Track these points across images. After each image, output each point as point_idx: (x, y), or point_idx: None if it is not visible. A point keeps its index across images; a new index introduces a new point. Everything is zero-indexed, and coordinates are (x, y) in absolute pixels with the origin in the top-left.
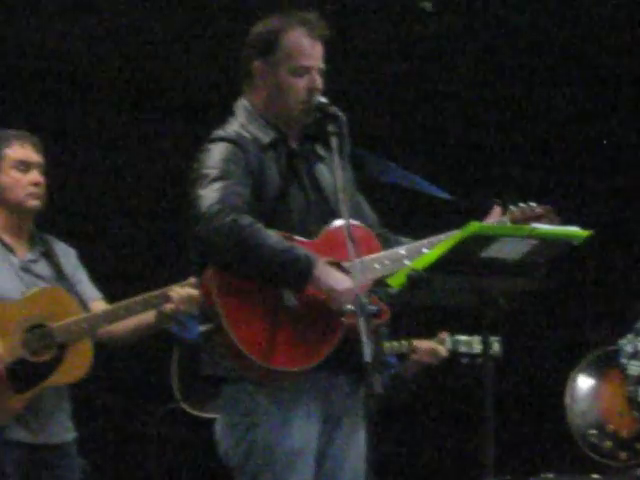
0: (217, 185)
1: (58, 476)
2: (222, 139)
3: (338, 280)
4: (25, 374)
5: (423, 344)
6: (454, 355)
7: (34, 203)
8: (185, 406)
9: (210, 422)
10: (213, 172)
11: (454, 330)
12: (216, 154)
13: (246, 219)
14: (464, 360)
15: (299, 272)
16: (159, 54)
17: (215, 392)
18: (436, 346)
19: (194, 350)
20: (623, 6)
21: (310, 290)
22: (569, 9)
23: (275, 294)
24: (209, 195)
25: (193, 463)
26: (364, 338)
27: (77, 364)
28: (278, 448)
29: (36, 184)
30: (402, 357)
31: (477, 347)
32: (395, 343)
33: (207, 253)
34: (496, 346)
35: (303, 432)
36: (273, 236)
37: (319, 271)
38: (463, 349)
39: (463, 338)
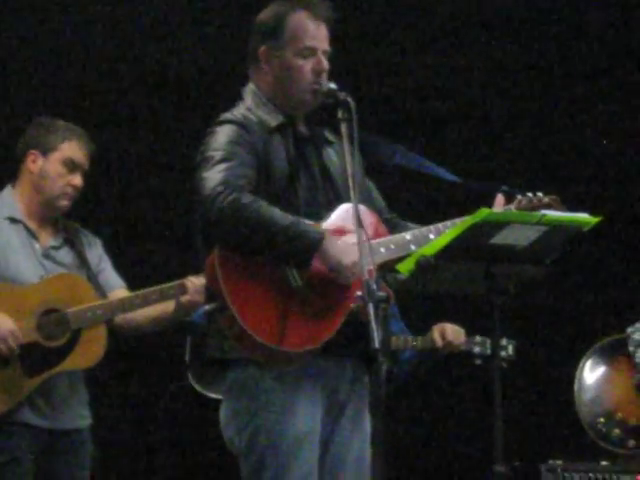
0: (221, 167)
1: (69, 462)
2: (228, 121)
3: (344, 253)
4: (37, 358)
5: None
6: (468, 356)
7: (64, 203)
8: (197, 386)
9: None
10: (218, 154)
11: (469, 330)
12: (221, 136)
13: (248, 197)
14: (478, 361)
15: (306, 245)
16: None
17: (222, 374)
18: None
19: (201, 332)
20: None
21: (315, 268)
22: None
23: (280, 274)
24: (213, 177)
25: (204, 442)
26: (373, 324)
27: (90, 350)
28: (283, 433)
29: (74, 187)
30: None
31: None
32: (418, 338)
33: (212, 233)
34: (510, 349)
35: (308, 417)
36: (277, 211)
37: (326, 243)
38: (477, 350)
39: (478, 339)
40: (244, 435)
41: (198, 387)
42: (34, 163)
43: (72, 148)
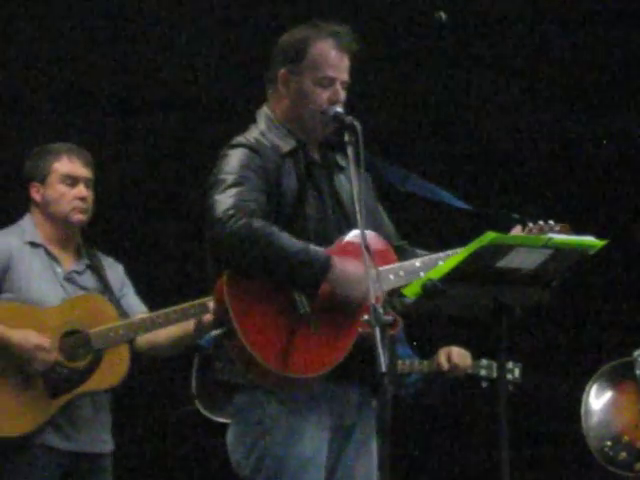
0: (233, 191)
1: None
2: (241, 145)
3: (353, 283)
4: (60, 379)
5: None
6: (474, 379)
7: (79, 217)
8: (203, 410)
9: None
10: (230, 178)
11: (475, 354)
12: (234, 160)
13: (259, 222)
14: (484, 384)
15: (314, 271)
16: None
17: (229, 398)
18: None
19: (209, 355)
20: None
21: (324, 295)
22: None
23: (288, 301)
24: (224, 200)
25: (211, 466)
26: (379, 348)
27: (112, 371)
28: (289, 457)
29: (82, 199)
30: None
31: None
32: (424, 362)
33: (222, 257)
34: (516, 372)
35: (314, 441)
36: (287, 237)
37: (334, 271)
38: (483, 373)
39: (484, 362)
40: (250, 459)
41: (205, 412)
42: (37, 194)
43: (63, 164)
